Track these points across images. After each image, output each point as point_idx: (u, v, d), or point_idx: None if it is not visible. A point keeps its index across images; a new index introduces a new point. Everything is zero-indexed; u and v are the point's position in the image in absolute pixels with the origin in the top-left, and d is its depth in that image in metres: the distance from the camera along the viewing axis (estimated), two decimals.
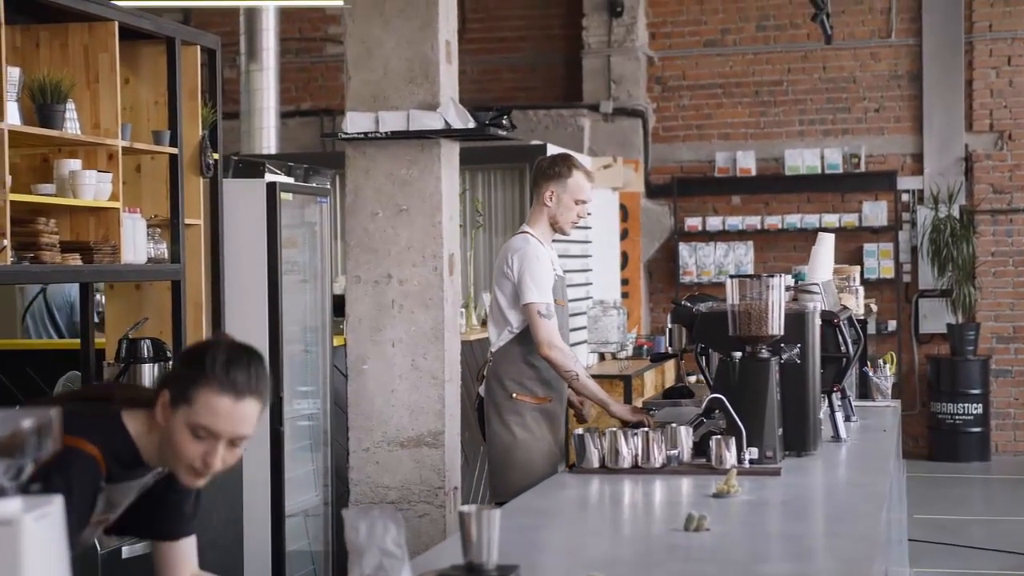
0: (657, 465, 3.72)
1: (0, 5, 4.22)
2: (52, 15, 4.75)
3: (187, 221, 5.28)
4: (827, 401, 4.43)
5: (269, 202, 5.69)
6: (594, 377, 4.88)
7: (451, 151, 4.96)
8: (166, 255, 5.12)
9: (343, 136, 4.87)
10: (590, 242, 9.34)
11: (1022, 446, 11.01)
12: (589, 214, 9.07)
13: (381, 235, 4.85)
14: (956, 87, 11.05)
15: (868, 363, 5.73)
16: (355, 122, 4.82)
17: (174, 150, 5.16)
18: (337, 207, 8.35)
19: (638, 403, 7.43)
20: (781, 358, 3.93)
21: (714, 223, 11.29)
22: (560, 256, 5.46)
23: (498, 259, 4.82)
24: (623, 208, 10.85)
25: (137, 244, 4.90)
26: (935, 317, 11.01)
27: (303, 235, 6.18)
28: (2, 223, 4.23)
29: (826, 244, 5.17)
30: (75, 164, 4.68)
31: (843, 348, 4.44)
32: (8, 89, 4.32)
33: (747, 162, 11.31)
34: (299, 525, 6.06)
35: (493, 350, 4.80)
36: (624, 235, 10.86)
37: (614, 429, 3.80)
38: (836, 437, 4.38)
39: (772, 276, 3.90)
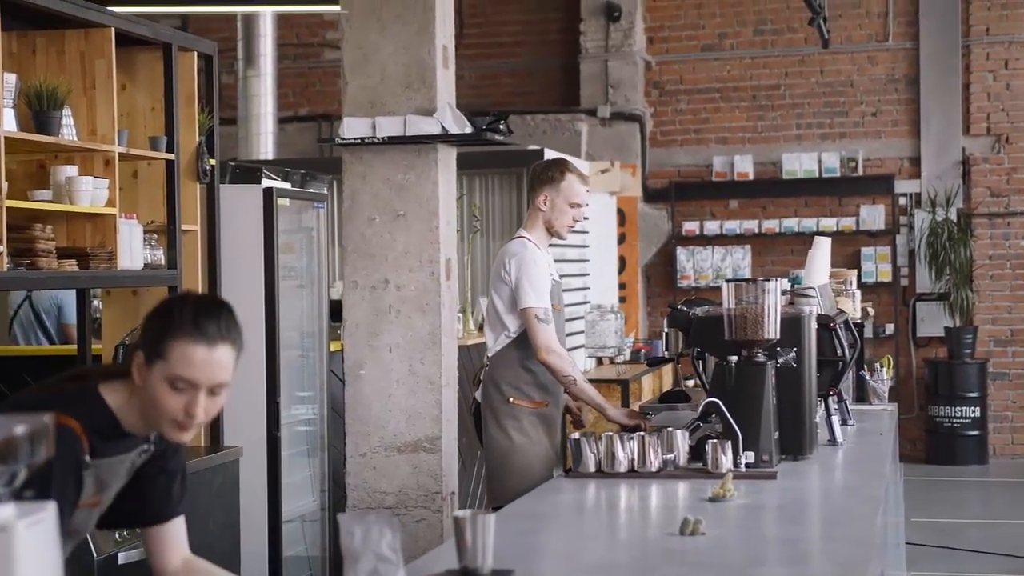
0: (653, 469, 3.72)
1: None
2: (48, 21, 4.75)
3: (184, 227, 5.28)
4: (823, 405, 4.44)
5: (266, 208, 5.70)
6: (591, 381, 4.89)
7: (448, 156, 4.96)
8: (163, 261, 5.13)
9: (340, 141, 4.87)
10: (588, 246, 9.35)
11: (1020, 449, 11.02)
12: (586, 218, 9.05)
13: (378, 240, 4.86)
14: (953, 91, 11.07)
15: (865, 367, 5.73)
16: (352, 127, 4.83)
17: (171, 156, 5.17)
18: (334, 212, 8.36)
19: (635, 407, 7.43)
20: (777, 362, 3.93)
21: (711, 227, 11.30)
22: (557, 260, 5.47)
23: (495, 264, 4.83)
24: (621, 212, 10.86)
25: (134, 250, 4.91)
26: (933, 320, 11.02)
27: (300, 240, 6.18)
28: None
29: (822, 248, 5.18)
30: (72, 170, 4.68)
31: (839, 352, 4.44)
32: (5, 96, 4.32)
33: (744, 166, 11.32)
34: (296, 530, 6.06)
35: (490, 354, 4.80)
36: (622, 239, 10.87)
37: (610, 433, 3.80)
38: (832, 441, 4.38)
39: (768, 280, 3.91)
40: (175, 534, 2.65)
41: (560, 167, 4.80)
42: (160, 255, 5.12)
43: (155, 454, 2.57)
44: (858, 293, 6.04)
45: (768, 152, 11.39)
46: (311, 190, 6.79)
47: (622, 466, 3.73)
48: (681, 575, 2.73)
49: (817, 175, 11.19)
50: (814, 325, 4.16)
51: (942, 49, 11.09)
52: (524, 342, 4.70)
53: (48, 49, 4.83)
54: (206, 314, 2.40)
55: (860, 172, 11.16)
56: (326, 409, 6.23)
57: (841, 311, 5.06)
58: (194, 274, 5.41)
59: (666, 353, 4.63)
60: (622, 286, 10.80)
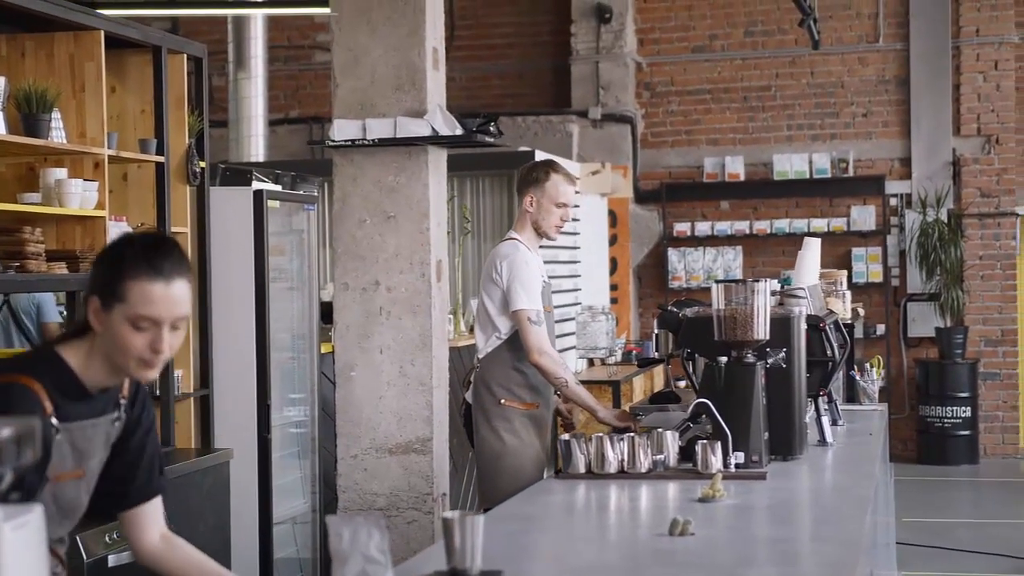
0: (643, 470, 3.72)
1: None
2: (38, 24, 4.75)
3: (174, 229, 5.28)
4: (813, 405, 4.44)
5: (256, 210, 5.70)
6: (583, 383, 4.89)
7: (438, 158, 4.96)
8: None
9: (331, 143, 4.87)
10: (579, 248, 9.36)
11: (1010, 449, 11.04)
12: (577, 219, 9.06)
13: (369, 242, 4.86)
14: (944, 91, 11.09)
15: (855, 367, 5.74)
16: (342, 129, 4.83)
17: (160, 159, 5.17)
18: (325, 214, 8.36)
19: (626, 408, 7.44)
20: (767, 362, 3.93)
21: (703, 228, 11.31)
22: (549, 262, 5.48)
23: (486, 265, 4.84)
24: (612, 214, 10.87)
25: None
26: (923, 321, 11.04)
27: (291, 242, 6.18)
28: None
29: (812, 249, 5.18)
30: (61, 173, 4.68)
31: (829, 352, 4.44)
32: None
33: (735, 167, 11.33)
34: (287, 532, 6.05)
35: (480, 356, 4.81)
36: (613, 241, 10.88)
37: (600, 435, 3.81)
38: (822, 441, 4.39)
39: (757, 281, 3.91)
40: (155, 511, 2.67)
41: (545, 168, 4.82)
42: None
43: (128, 424, 2.57)
44: (848, 294, 6.05)
45: (759, 153, 11.41)
46: (301, 192, 6.79)
47: (612, 467, 3.73)
48: (670, 575, 2.73)
49: (808, 176, 11.20)
50: (803, 326, 4.16)
51: (932, 50, 11.12)
52: (515, 343, 4.70)
53: (37, 52, 4.83)
54: (157, 251, 2.41)
55: (851, 173, 11.18)
56: (317, 411, 6.23)
57: (831, 312, 5.07)
58: None
59: (656, 354, 4.64)
60: (613, 287, 10.81)
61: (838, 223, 11.08)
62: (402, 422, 4.83)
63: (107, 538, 4.20)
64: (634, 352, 9.45)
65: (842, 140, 11.33)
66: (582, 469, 3.76)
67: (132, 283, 2.36)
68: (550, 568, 2.85)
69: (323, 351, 6.20)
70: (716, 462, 3.69)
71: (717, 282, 3.94)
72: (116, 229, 4.86)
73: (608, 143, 11.31)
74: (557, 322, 5.44)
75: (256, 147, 10.10)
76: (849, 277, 9.37)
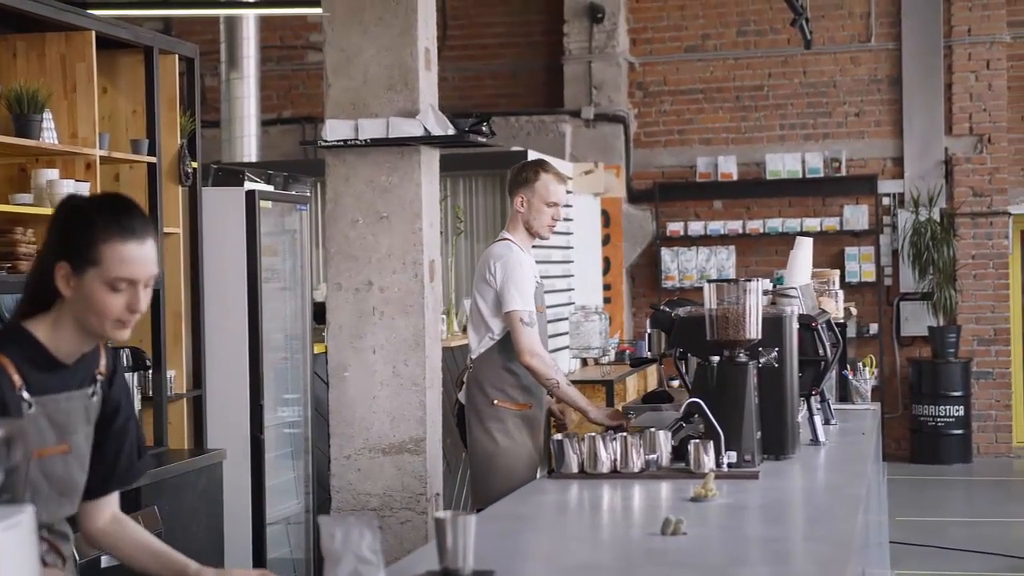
0: (636, 470, 3.72)
1: None
2: (29, 25, 4.74)
3: (166, 230, 5.28)
4: (806, 404, 4.45)
5: (248, 210, 5.70)
6: (576, 382, 4.89)
7: (431, 158, 4.96)
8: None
9: (323, 144, 4.87)
10: (572, 248, 9.36)
11: (1003, 448, 11.06)
12: (570, 219, 9.06)
13: (361, 242, 4.85)
14: (936, 91, 11.11)
15: (848, 366, 5.75)
16: (335, 130, 4.82)
17: (152, 159, 5.16)
18: (318, 214, 8.35)
19: (619, 408, 7.44)
20: (759, 362, 3.94)
21: (696, 228, 11.32)
22: (542, 262, 5.49)
23: (479, 265, 4.84)
24: (605, 214, 10.88)
25: None
26: (916, 320, 11.06)
27: (283, 243, 6.18)
28: None
29: (804, 248, 5.19)
30: (53, 174, 4.67)
31: (821, 352, 4.45)
32: None
33: (728, 167, 11.34)
34: (280, 533, 6.05)
35: (473, 356, 4.81)
36: (606, 240, 10.88)
37: (593, 434, 3.81)
38: (815, 440, 4.39)
39: (749, 280, 3.91)
40: (115, 493, 2.66)
41: (534, 168, 4.83)
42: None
43: (107, 403, 2.57)
44: (841, 293, 6.05)
45: (752, 153, 11.42)
46: (294, 192, 6.78)
47: (605, 467, 3.73)
48: (662, 575, 2.73)
49: (800, 175, 11.22)
50: (795, 325, 4.17)
51: (924, 49, 11.13)
52: (508, 344, 4.71)
53: (28, 52, 4.83)
54: (125, 212, 2.43)
55: (843, 172, 11.20)
56: (310, 411, 6.23)
57: (823, 311, 5.08)
58: (176, 277, 5.40)
59: (649, 354, 4.64)
60: (607, 287, 10.82)
61: (831, 222, 11.09)
62: (395, 422, 4.83)
63: None
64: (627, 352, 9.46)
65: (835, 139, 11.34)
66: (575, 469, 3.76)
67: (105, 246, 2.37)
68: (542, 568, 2.85)
69: (316, 351, 6.20)
70: (708, 462, 3.69)
71: (709, 282, 3.95)
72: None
73: (601, 143, 11.32)
74: (550, 322, 5.45)
75: (248, 147, 10.09)
76: (842, 276, 9.39)
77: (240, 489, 5.61)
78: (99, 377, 2.55)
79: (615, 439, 3.77)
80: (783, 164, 11.24)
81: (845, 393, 5.68)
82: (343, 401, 4.86)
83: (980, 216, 11.09)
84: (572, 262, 9.37)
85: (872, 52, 11.29)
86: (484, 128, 4.92)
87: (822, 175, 11.20)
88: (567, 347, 8.96)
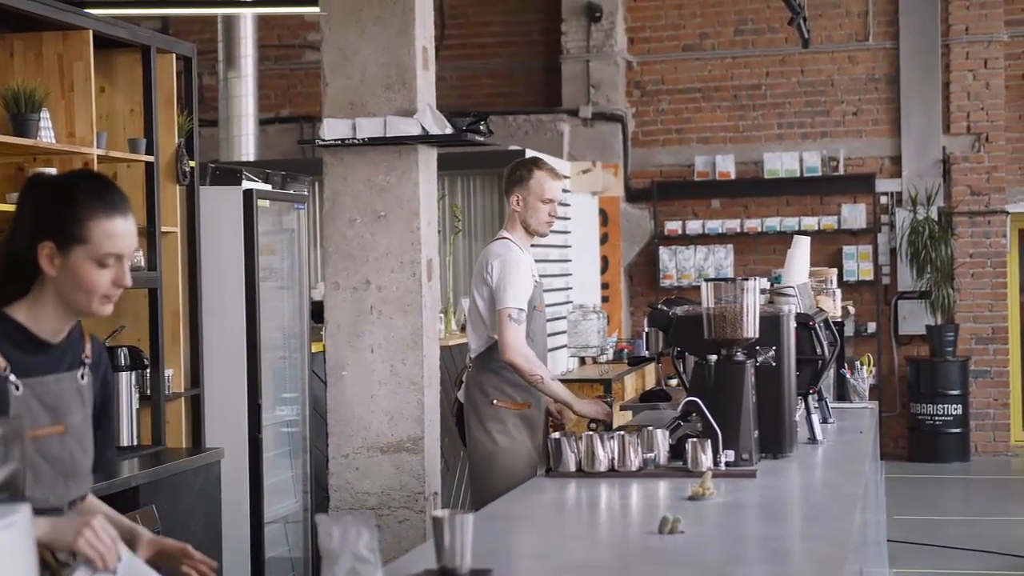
0: (633, 468, 3.73)
1: None
2: (26, 24, 4.74)
3: (164, 229, 5.27)
4: (803, 403, 4.45)
5: (246, 209, 5.69)
6: (574, 381, 4.90)
7: (429, 157, 4.96)
8: (143, 263, 5.12)
9: (320, 143, 4.87)
10: (570, 247, 9.36)
11: (1001, 447, 11.07)
12: (568, 218, 9.06)
13: (359, 241, 4.85)
14: (933, 90, 11.12)
15: (845, 365, 5.75)
16: (332, 129, 4.82)
17: (150, 158, 5.16)
18: (315, 213, 8.35)
19: (616, 407, 7.45)
20: (756, 361, 3.94)
21: (694, 227, 11.32)
22: (540, 261, 5.49)
23: (477, 264, 4.85)
24: (603, 212, 10.88)
25: None
26: (914, 319, 11.06)
27: (281, 242, 6.18)
28: None
29: (802, 247, 5.19)
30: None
31: (819, 350, 4.45)
32: None
33: (726, 166, 11.34)
34: (279, 532, 6.05)
35: (473, 355, 4.81)
36: (604, 239, 10.88)
37: (590, 433, 3.81)
38: (812, 439, 4.39)
39: (747, 279, 3.92)
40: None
41: (528, 165, 4.84)
42: (140, 257, 5.11)
43: (95, 388, 2.58)
44: (838, 292, 6.05)
45: (750, 152, 11.42)
46: (292, 191, 6.78)
47: (602, 465, 3.73)
48: (660, 573, 2.73)
49: (798, 174, 11.22)
50: (793, 324, 4.17)
51: (922, 48, 11.14)
52: None
53: (26, 52, 4.82)
54: (107, 188, 2.47)
55: (841, 171, 11.20)
56: (308, 410, 6.23)
57: (821, 310, 5.08)
58: (174, 276, 5.40)
59: (647, 352, 4.65)
60: (605, 286, 10.82)
61: (828, 221, 11.09)
62: (393, 421, 4.83)
63: None
64: (625, 350, 9.46)
65: (832, 138, 11.35)
66: (572, 467, 3.76)
67: (92, 223, 2.40)
68: (540, 566, 2.85)
69: (314, 350, 6.20)
70: (706, 460, 3.69)
71: (707, 280, 3.95)
72: None
73: (599, 142, 11.32)
74: (549, 320, 5.44)
75: (246, 146, 10.09)
76: (840, 275, 9.39)
77: (238, 488, 5.61)
78: (86, 360, 2.56)
79: (612, 437, 3.77)
80: (781, 163, 11.24)
81: (843, 392, 5.68)
82: (341, 400, 4.87)
83: (978, 215, 11.09)
84: (570, 261, 9.37)
85: (870, 51, 11.29)
86: (482, 127, 4.92)
87: (820, 174, 11.20)
88: (565, 346, 8.96)
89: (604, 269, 10.86)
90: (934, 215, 10.90)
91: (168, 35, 6.69)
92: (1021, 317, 11.45)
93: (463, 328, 7.36)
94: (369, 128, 4.78)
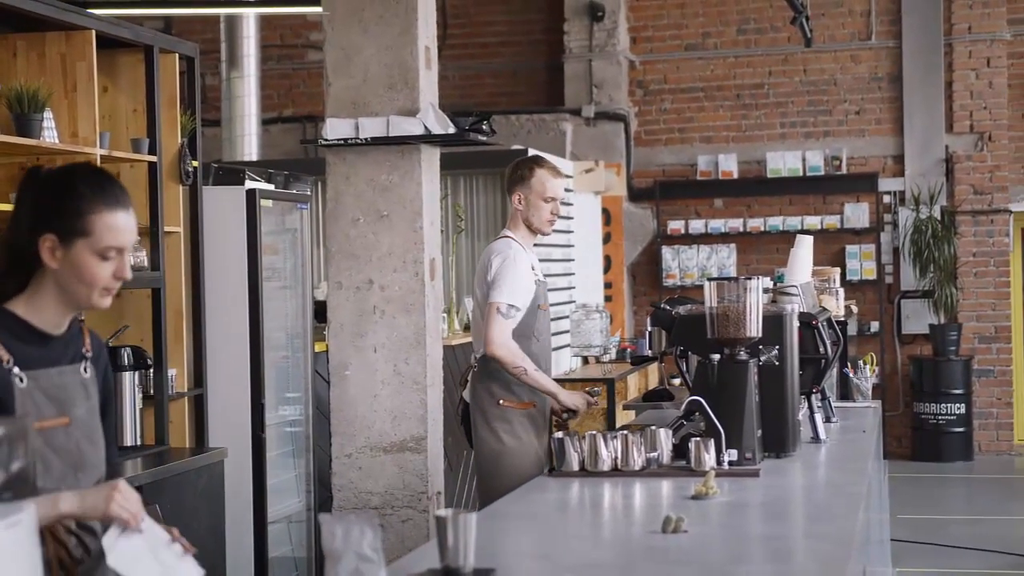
0: (636, 468, 3.73)
1: None
2: (29, 24, 4.74)
3: (167, 229, 5.28)
4: (806, 403, 4.45)
5: (249, 209, 5.70)
6: (577, 381, 4.90)
7: (431, 156, 4.97)
8: (146, 263, 5.12)
9: (323, 143, 4.87)
10: (573, 246, 9.36)
11: (1005, 446, 11.06)
12: (570, 218, 9.06)
13: (362, 241, 4.86)
14: (936, 89, 11.11)
15: (848, 364, 5.75)
16: (335, 128, 4.83)
17: (153, 158, 5.16)
18: (318, 213, 8.36)
19: (619, 406, 7.45)
20: (759, 360, 3.94)
21: (696, 226, 11.32)
22: (543, 260, 5.48)
23: (479, 263, 4.85)
24: (606, 212, 10.88)
25: None
26: (917, 318, 11.06)
27: (284, 241, 6.18)
28: None
29: (804, 246, 5.19)
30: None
31: (822, 349, 4.45)
32: None
33: (729, 165, 11.34)
34: (282, 531, 6.05)
35: (477, 355, 4.81)
36: (607, 239, 10.88)
37: (594, 432, 3.81)
38: (815, 438, 4.39)
39: (750, 278, 3.92)
40: None
41: (529, 164, 4.84)
42: (143, 257, 5.11)
43: (96, 382, 2.58)
44: (841, 291, 6.05)
45: (752, 151, 11.42)
46: (295, 191, 6.79)
47: (605, 465, 3.73)
48: (662, 573, 2.73)
49: (801, 174, 11.21)
50: (796, 323, 4.17)
51: (925, 47, 11.13)
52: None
53: (29, 52, 4.83)
54: (108, 181, 2.49)
55: (844, 170, 11.19)
56: (311, 410, 6.23)
57: (824, 309, 5.08)
58: (177, 276, 5.40)
59: (650, 352, 4.64)
60: (608, 285, 10.82)
61: (831, 220, 11.08)
62: (396, 421, 4.84)
63: None
64: (628, 350, 9.46)
65: (835, 137, 11.34)
66: (575, 467, 3.76)
67: (95, 216, 2.42)
68: (543, 566, 2.86)
69: (317, 350, 6.20)
70: (709, 459, 3.69)
71: (710, 280, 3.95)
72: None
73: (601, 141, 11.32)
74: (551, 320, 5.44)
75: (249, 146, 10.09)
76: (843, 274, 9.38)
77: (241, 488, 5.61)
78: (87, 355, 2.58)
79: (615, 437, 3.77)
80: (784, 162, 11.24)
81: (846, 391, 5.68)
82: (344, 400, 4.87)
83: (981, 214, 11.08)
84: (573, 260, 9.37)
85: (872, 50, 11.29)
86: (484, 127, 4.92)
87: (823, 173, 11.19)
88: (568, 345, 8.96)
89: (607, 268, 10.86)
90: (937, 214, 10.89)
91: (171, 35, 6.69)
92: None
93: (466, 328, 7.36)
94: (372, 128, 4.78)
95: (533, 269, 4.82)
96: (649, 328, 4.57)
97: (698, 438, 3.74)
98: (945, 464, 10.60)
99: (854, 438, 4.61)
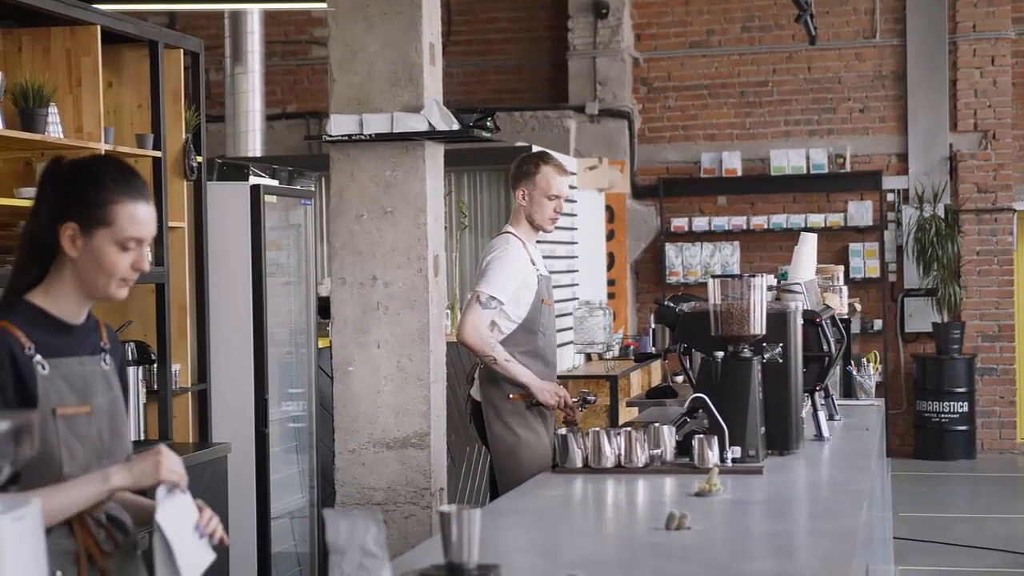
0: (640, 464, 3.73)
1: None
2: (34, 19, 4.75)
3: (171, 224, 5.28)
4: (810, 400, 4.45)
5: (253, 205, 5.70)
6: (580, 378, 4.90)
7: (435, 153, 4.96)
8: (150, 258, 5.12)
9: (327, 139, 4.87)
10: (576, 243, 9.36)
11: (1007, 444, 11.06)
12: (574, 215, 9.06)
13: (366, 237, 4.86)
14: (940, 87, 11.10)
15: (852, 362, 5.75)
16: (339, 125, 4.82)
17: (157, 153, 5.17)
18: (322, 209, 8.36)
19: (623, 403, 7.45)
20: (763, 357, 3.94)
21: (700, 224, 11.32)
22: (546, 257, 5.48)
23: (481, 260, 4.86)
24: (609, 209, 10.87)
25: None
26: (921, 316, 11.05)
27: (288, 237, 6.18)
28: None
29: (809, 244, 5.19)
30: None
31: (825, 347, 4.45)
32: None
33: (733, 163, 11.34)
34: (285, 527, 6.06)
35: None
36: (610, 236, 10.88)
37: (597, 429, 3.81)
38: (819, 436, 4.40)
39: (754, 276, 3.92)
40: None
41: (534, 161, 4.84)
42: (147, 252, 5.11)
43: (115, 367, 2.60)
44: (845, 289, 6.05)
45: (756, 149, 11.41)
46: (299, 187, 6.79)
47: (609, 461, 3.74)
48: (666, 569, 2.74)
49: (805, 171, 11.21)
50: (800, 321, 4.17)
51: (929, 45, 11.12)
52: (516, 338, 4.74)
53: (34, 47, 4.83)
54: (130, 173, 2.51)
55: (848, 168, 11.19)
56: (315, 406, 6.23)
57: (828, 307, 5.08)
58: (181, 271, 5.41)
59: (654, 349, 4.65)
60: (611, 282, 10.82)
61: (835, 218, 11.08)
62: (400, 417, 4.84)
63: None
64: (631, 347, 9.46)
65: (839, 135, 11.33)
66: (579, 463, 3.76)
67: (117, 207, 2.44)
68: (547, 562, 2.86)
69: (321, 346, 6.21)
70: (713, 457, 3.69)
71: (713, 277, 3.95)
72: None
73: (605, 138, 11.31)
74: (555, 316, 5.44)
75: (253, 142, 10.09)
76: (846, 272, 9.39)
77: (245, 483, 5.62)
78: (105, 347, 2.60)
79: (619, 434, 3.77)
80: (787, 160, 11.23)
81: (849, 389, 5.68)
82: (348, 396, 4.87)
83: (984, 212, 11.08)
84: (576, 257, 9.37)
85: (877, 48, 11.28)
86: (488, 123, 4.92)
87: (826, 171, 11.19)
88: (571, 342, 8.96)
89: (610, 266, 10.86)
90: (941, 212, 10.89)
91: (175, 31, 6.69)
92: None
93: None
94: (376, 124, 4.78)
95: (535, 264, 4.82)
96: (652, 325, 4.58)
97: (702, 435, 3.74)
98: (948, 462, 10.60)
99: (857, 436, 4.62)
